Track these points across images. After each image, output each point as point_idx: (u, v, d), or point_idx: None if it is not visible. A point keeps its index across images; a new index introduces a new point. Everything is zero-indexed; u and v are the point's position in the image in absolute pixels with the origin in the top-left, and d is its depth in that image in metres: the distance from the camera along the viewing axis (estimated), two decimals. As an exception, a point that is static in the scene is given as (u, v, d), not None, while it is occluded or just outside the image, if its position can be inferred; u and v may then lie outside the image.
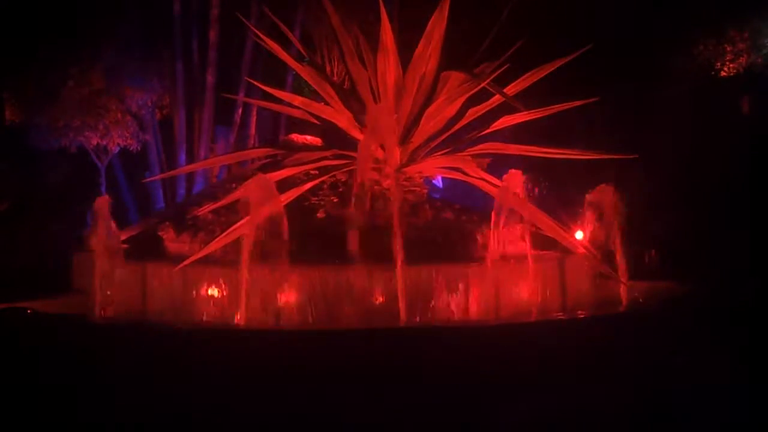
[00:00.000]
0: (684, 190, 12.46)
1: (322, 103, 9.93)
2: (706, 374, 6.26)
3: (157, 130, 15.88)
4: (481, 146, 9.49)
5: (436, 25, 8.95)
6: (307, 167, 9.27)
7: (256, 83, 12.00)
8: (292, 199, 8.65)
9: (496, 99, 9.28)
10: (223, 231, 8.29)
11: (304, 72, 10.01)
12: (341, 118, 9.55)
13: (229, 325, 7.62)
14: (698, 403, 5.76)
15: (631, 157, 9.15)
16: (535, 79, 9.38)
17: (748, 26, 13.57)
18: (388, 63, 9.00)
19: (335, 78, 12.45)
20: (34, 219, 13.49)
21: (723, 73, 13.66)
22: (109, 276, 8.24)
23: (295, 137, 10.41)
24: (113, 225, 8.49)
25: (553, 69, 9.30)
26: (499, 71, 8.99)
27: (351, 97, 9.56)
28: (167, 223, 9.41)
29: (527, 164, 8.75)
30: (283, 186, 8.63)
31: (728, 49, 13.61)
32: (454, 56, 9.42)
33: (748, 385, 6.14)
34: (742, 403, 5.80)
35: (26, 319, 7.33)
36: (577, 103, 9.47)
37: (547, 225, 8.78)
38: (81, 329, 7.24)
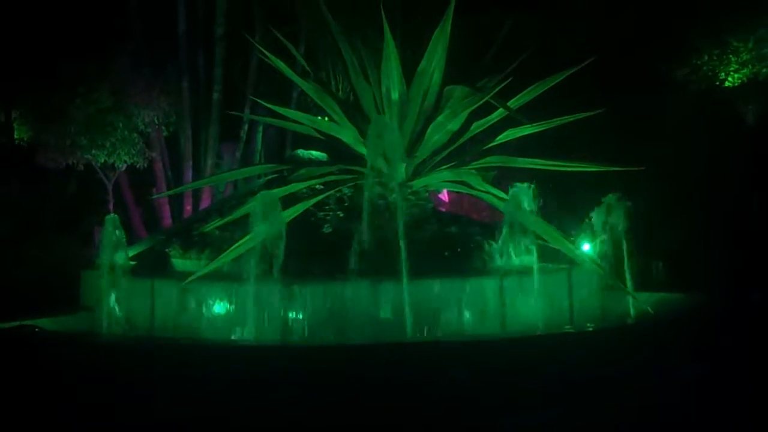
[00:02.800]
0: (690, 201, 12.42)
1: (327, 119, 9.96)
2: (718, 386, 6.21)
3: (164, 147, 15.94)
4: (486, 159, 9.50)
5: (439, 40, 8.99)
6: (312, 182, 9.29)
7: (261, 101, 12.04)
8: (298, 214, 8.67)
9: (501, 112, 9.30)
10: (229, 247, 8.31)
11: (309, 88, 10.05)
12: (346, 133, 9.57)
13: (236, 341, 7.61)
14: (708, 415, 5.71)
15: (638, 168, 9.13)
16: (539, 92, 9.40)
17: (753, 36, 13.55)
18: (392, 78, 9.04)
19: (339, 93, 12.48)
20: (41, 236, 13.54)
21: (728, 84, 13.64)
22: (116, 293, 8.25)
23: (301, 152, 10.44)
24: (121, 242, 8.51)
25: (557, 81, 9.33)
26: (503, 84, 9.01)
27: (355, 113, 9.58)
28: (174, 239, 9.44)
29: (533, 177, 8.74)
30: (289, 201, 8.66)
31: (733, 59, 13.60)
32: (457, 69, 9.45)
33: (762, 396, 6.07)
34: (756, 414, 5.74)
35: (33, 337, 7.33)
36: (582, 114, 9.48)
37: (554, 237, 8.75)
38: (87, 347, 7.24)
